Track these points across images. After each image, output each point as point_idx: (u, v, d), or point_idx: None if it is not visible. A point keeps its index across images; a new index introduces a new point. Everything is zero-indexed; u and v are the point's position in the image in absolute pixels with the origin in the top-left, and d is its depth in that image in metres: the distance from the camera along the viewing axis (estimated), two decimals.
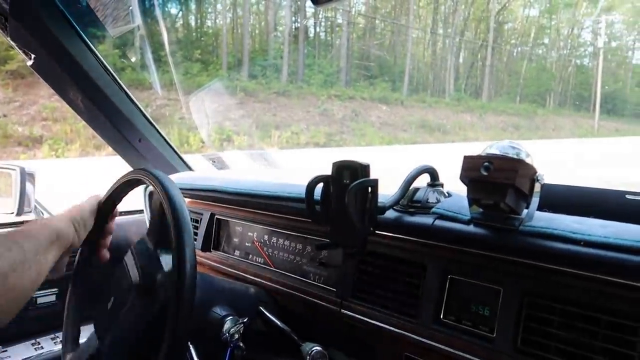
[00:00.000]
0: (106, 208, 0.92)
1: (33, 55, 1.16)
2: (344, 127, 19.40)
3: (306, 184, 0.84)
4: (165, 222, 0.82)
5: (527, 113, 28.59)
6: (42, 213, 1.40)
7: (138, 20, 1.32)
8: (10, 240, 0.68)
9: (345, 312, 0.93)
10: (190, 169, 1.50)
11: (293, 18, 25.72)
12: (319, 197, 0.85)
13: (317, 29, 28.42)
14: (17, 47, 1.16)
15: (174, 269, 0.70)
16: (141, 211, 1.50)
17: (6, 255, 0.65)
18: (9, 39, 1.13)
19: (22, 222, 1.35)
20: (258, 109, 17.61)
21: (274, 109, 18.20)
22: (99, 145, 12.87)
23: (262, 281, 1.13)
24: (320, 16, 27.86)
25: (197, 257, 1.12)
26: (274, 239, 1.16)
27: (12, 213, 1.30)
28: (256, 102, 17.94)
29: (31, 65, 1.17)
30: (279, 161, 1.39)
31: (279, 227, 1.14)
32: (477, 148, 0.74)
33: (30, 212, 1.33)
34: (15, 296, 0.65)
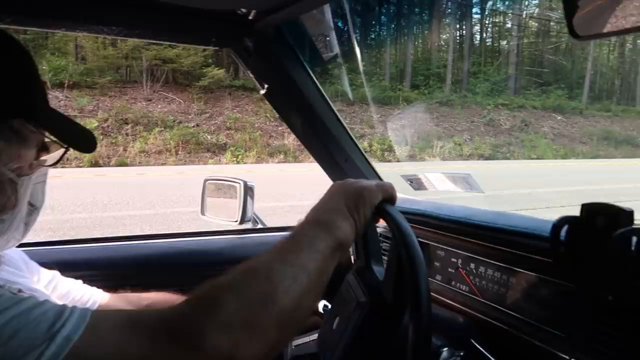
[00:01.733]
0: None
1: (266, 86, 1.30)
2: (511, 138, 18.06)
3: (515, 213, 0.77)
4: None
5: None
6: (257, 223, 1.57)
7: (336, 49, 1.39)
8: (295, 264, 0.60)
9: None
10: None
11: (458, 25, 24.92)
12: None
13: (484, 35, 27.05)
14: (254, 78, 1.32)
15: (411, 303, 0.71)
16: None
17: (293, 289, 0.57)
18: (249, 71, 1.30)
19: (243, 230, 1.53)
20: (419, 119, 17.43)
21: (436, 119, 17.84)
22: (272, 152, 14.22)
23: (469, 311, 1.09)
24: (487, 22, 26.48)
25: None
26: (482, 269, 1.11)
27: (236, 221, 1.48)
28: (418, 112, 17.79)
29: (264, 94, 1.32)
30: (481, 186, 1.34)
31: (488, 257, 1.09)
32: None
33: (249, 221, 1.51)
34: (295, 329, 0.62)
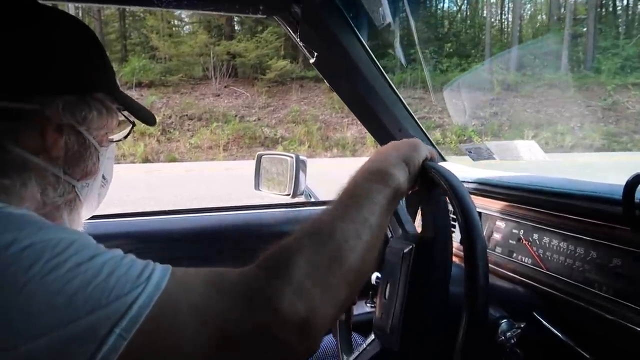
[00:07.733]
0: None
1: (316, 54, 1.38)
2: (638, 125, 16.23)
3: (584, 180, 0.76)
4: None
5: None
6: (310, 197, 1.64)
7: (389, 18, 1.41)
8: (357, 221, 0.65)
9: None
10: (444, 159, 1.57)
11: None
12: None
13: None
14: (303, 47, 1.40)
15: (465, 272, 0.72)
16: None
17: (358, 247, 0.63)
18: (298, 40, 1.37)
19: (294, 204, 1.61)
20: (518, 104, 16.37)
21: (538, 105, 16.65)
22: (329, 146, 14.44)
23: (532, 283, 1.10)
24: None
25: (457, 249, 1.15)
26: (546, 239, 1.11)
27: (288, 195, 1.57)
28: (517, 96, 16.74)
29: (313, 63, 1.41)
30: (544, 155, 1.31)
31: (553, 226, 1.08)
32: None
33: (302, 194, 1.59)
34: (360, 286, 0.66)
